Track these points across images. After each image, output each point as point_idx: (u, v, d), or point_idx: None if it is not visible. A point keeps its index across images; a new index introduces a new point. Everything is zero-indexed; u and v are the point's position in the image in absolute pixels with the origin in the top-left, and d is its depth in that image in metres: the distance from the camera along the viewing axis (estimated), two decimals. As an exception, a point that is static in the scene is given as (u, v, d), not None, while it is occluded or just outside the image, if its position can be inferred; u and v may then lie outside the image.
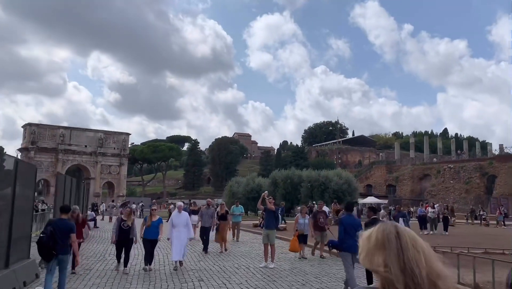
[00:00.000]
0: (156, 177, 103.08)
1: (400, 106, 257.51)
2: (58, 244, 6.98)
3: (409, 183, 61.16)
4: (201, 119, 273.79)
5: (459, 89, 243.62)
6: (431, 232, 22.49)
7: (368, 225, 7.18)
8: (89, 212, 22.13)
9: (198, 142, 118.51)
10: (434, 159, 70.64)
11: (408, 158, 76.51)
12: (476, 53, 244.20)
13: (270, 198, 11.81)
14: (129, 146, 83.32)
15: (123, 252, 10.58)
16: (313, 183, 40.75)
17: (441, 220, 23.85)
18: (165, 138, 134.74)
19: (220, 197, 60.30)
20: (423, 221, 23.36)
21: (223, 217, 15.01)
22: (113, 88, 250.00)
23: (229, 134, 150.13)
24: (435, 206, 25.69)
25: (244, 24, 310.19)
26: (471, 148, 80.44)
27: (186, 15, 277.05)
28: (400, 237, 1.34)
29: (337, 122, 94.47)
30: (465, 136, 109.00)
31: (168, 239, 11.58)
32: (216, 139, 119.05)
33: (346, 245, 7.73)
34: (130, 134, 77.39)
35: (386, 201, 53.83)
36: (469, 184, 52.94)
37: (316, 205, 20.15)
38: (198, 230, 15.21)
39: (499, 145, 74.43)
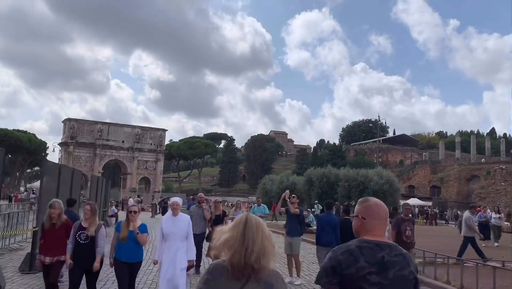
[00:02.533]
0: (192, 173, 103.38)
1: (444, 105, 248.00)
2: None
3: (455, 184, 57.45)
4: (238, 117, 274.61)
5: (508, 87, 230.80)
6: (495, 244, 17.56)
7: (340, 223, 8.46)
8: (113, 208, 21.24)
9: (234, 140, 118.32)
10: (483, 159, 66.27)
11: (453, 158, 72.37)
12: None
13: (293, 197, 9.49)
14: (167, 142, 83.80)
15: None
16: (351, 182, 38.56)
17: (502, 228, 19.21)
18: (202, 135, 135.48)
19: (254, 195, 59.08)
20: (484, 229, 18.02)
21: (217, 221, 9.97)
22: (154, 86, 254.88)
23: (265, 132, 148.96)
24: (496, 211, 20.05)
25: (283, 21, 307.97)
26: (523, 148, 75.22)
27: (225, 13, 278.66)
28: (248, 221, 1.97)
29: (377, 120, 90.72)
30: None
31: (155, 262, 6.75)
32: (252, 136, 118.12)
33: (322, 240, 8.48)
34: (167, 130, 77.61)
35: (430, 203, 50.71)
36: (524, 187, 48.96)
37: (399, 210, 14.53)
38: None
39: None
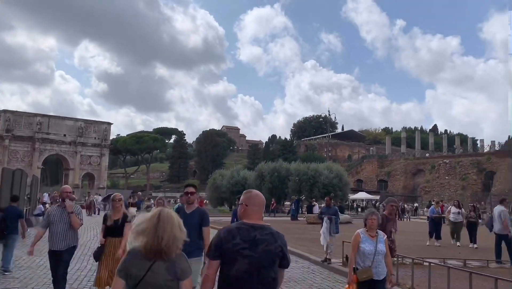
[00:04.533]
0: (140, 169, 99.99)
1: (390, 102, 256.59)
2: (8, 226, 8.45)
3: (401, 178, 59.04)
4: (190, 112, 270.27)
5: (449, 87, 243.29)
6: (457, 243, 15.40)
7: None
8: (40, 206, 19.21)
9: (184, 135, 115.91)
10: (427, 154, 68.73)
11: (399, 153, 74.60)
12: (467, 51, 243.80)
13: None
14: (114, 136, 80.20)
15: None
16: (301, 177, 38.18)
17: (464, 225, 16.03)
18: (152, 130, 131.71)
19: (205, 190, 57.66)
20: (436, 226, 16.08)
21: (114, 230, 6.12)
22: (101, 78, 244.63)
23: (217, 127, 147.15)
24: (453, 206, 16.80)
25: (235, 16, 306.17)
26: (462, 144, 78.94)
27: (176, 4, 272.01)
28: (161, 214, 2.46)
29: (327, 117, 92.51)
30: (454, 133, 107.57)
31: None
32: (203, 131, 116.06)
33: None
34: (112, 124, 74.02)
35: (377, 197, 51.67)
36: (466, 180, 50.92)
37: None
38: None
39: (491, 141, 72.94)
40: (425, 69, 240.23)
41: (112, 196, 6.40)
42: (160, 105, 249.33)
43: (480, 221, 17.74)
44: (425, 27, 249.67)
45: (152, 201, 21.67)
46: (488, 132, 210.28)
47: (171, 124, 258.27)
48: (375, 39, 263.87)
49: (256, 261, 2.58)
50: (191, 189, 5.24)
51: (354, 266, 4.97)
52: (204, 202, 56.04)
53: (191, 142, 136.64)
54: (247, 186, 44.23)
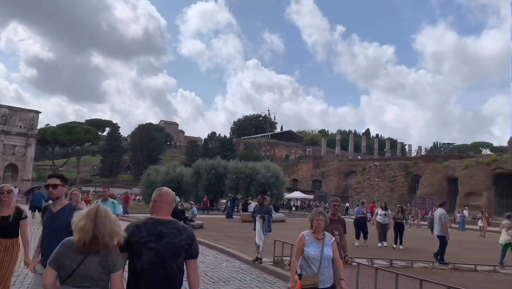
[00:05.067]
0: (70, 161, 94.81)
1: (327, 105, 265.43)
2: None
3: (335, 179, 60.92)
4: (127, 104, 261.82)
5: (382, 93, 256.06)
6: (384, 244, 15.46)
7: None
8: None
9: (119, 127, 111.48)
10: (359, 156, 71.58)
11: (333, 155, 77.04)
12: (401, 60, 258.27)
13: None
14: (42, 126, 75.17)
15: None
16: (239, 175, 38.03)
17: (391, 227, 16.10)
18: (84, 121, 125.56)
19: (138, 186, 55.72)
20: (361, 227, 15.93)
21: (3, 229, 4.94)
22: (30, 63, 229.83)
23: (155, 122, 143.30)
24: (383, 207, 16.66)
25: (178, 8, 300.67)
26: (392, 148, 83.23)
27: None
28: (98, 210, 2.62)
29: (267, 116, 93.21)
30: (385, 138, 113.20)
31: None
32: (139, 125, 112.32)
33: None
34: (41, 112, 69.36)
35: (311, 196, 52.91)
36: (394, 182, 53.56)
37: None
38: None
39: (418, 146, 78.18)
40: (361, 75, 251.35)
41: None
42: (94, 95, 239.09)
43: (408, 222, 18.44)
44: (363, 35, 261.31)
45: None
46: (415, 138, 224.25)
47: (106, 116, 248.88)
48: (316, 42, 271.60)
49: (161, 253, 2.78)
50: (54, 181, 4.01)
51: (298, 271, 4.34)
52: (137, 198, 54.27)
53: (126, 136, 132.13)
54: (183, 183, 43.30)
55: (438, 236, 12.23)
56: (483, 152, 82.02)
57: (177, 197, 22.94)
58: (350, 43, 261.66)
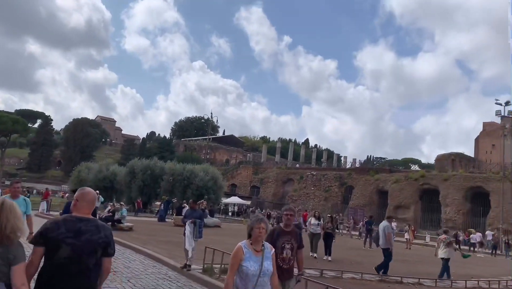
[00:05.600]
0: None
1: (270, 113, 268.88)
2: None
3: (273, 185, 61.45)
4: (62, 96, 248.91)
5: (323, 105, 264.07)
6: (315, 255, 14.96)
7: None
8: None
9: (52, 120, 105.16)
10: (297, 165, 72.89)
11: (273, 162, 77.84)
12: (342, 75, 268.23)
13: None
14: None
15: None
16: (176, 177, 37.02)
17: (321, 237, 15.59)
18: (14, 111, 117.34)
19: (68, 183, 52.74)
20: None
21: None
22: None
23: (92, 117, 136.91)
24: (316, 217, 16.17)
25: (124, 2, 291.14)
26: (329, 158, 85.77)
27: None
28: (3, 204, 2.72)
29: (209, 119, 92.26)
30: (323, 148, 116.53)
31: None
32: (74, 119, 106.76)
33: None
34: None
35: (249, 202, 52.96)
36: (329, 192, 54.94)
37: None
38: None
39: (353, 158, 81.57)
40: (304, 86, 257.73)
41: None
42: (27, 84, 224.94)
43: (337, 231, 18.17)
44: (308, 48, 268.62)
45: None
46: (351, 150, 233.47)
47: (38, 108, 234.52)
48: (262, 50, 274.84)
49: (78, 248, 2.91)
50: None
51: None
52: (66, 195, 51.19)
53: (60, 129, 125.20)
54: (116, 182, 41.47)
55: (382, 249, 12.31)
56: (412, 167, 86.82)
57: (100, 196, 21.44)
58: (296, 55, 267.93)
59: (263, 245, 3.79)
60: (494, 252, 29.49)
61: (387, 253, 12.06)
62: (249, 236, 3.80)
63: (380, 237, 12.50)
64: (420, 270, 12.91)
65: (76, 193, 3.21)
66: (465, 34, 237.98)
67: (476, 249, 29.53)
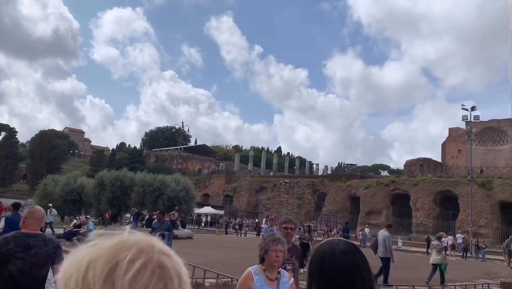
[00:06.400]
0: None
1: (243, 122, 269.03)
2: None
3: (246, 194, 60.99)
4: (28, 107, 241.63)
5: (294, 114, 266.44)
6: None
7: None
8: None
9: (16, 132, 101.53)
10: (271, 173, 72.81)
11: (246, 170, 77.50)
12: (313, 84, 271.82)
13: None
14: None
15: None
16: (146, 188, 36.08)
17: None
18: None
19: (33, 197, 50.74)
20: None
21: None
22: None
23: (60, 128, 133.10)
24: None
25: (92, 12, 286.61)
26: (301, 166, 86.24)
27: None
28: None
29: (180, 128, 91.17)
30: (295, 156, 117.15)
31: None
32: (40, 131, 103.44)
33: None
34: None
35: (222, 212, 52.30)
36: (302, 200, 54.98)
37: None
38: None
39: (325, 165, 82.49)
40: (276, 95, 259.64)
41: None
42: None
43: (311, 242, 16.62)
44: (279, 57, 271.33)
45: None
46: (322, 157, 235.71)
47: (2, 120, 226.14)
48: (234, 60, 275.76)
49: (28, 262, 3.11)
50: None
51: None
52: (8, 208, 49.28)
53: (26, 142, 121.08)
54: (84, 195, 40.13)
55: (381, 258, 12.15)
56: (382, 173, 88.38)
57: (54, 210, 20.73)
58: (267, 64, 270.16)
59: (279, 272, 3.10)
60: (464, 254, 30.01)
61: (386, 262, 11.96)
62: (262, 260, 3.06)
63: (379, 246, 12.32)
64: (396, 276, 12.82)
65: (25, 212, 3.51)
66: (430, 43, 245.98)
67: (448, 252, 29.98)
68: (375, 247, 12.77)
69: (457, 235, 33.27)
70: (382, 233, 12.48)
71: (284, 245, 3.09)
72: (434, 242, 13.65)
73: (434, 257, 13.09)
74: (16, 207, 9.81)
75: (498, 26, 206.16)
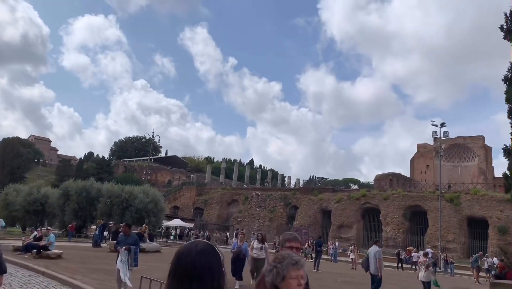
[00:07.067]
0: None
1: (215, 133, 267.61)
2: None
3: (217, 207, 60.04)
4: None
5: (267, 126, 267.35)
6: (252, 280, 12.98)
7: None
8: None
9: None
10: (245, 186, 72.14)
11: (218, 182, 76.60)
12: (286, 97, 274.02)
13: None
14: None
15: None
16: (113, 199, 34.82)
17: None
18: None
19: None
20: (237, 263, 13.17)
21: None
22: None
23: (25, 136, 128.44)
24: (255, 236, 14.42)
25: (63, 18, 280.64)
26: (273, 179, 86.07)
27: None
28: None
29: (151, 139, 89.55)
30: (268, 169, 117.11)
31: None
32: (4, 139, 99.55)
33: None
34: None
35: (192, 225, 51.18)
36: (274, 213, 54.52)
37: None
38: None
39: (297, 178, 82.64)
40: (250, 107, 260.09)
41: None
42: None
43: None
44: (253, 69, 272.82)
45: None
46: (294, 170, 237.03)
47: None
48: (208, 71, 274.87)
49: None
50: None
51: None
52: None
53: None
54: (48, 205, 38.42)
55: (372, 275, 11.79)
56: (352, 187, 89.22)
57: (1, 220, 20.16)
58: (241, 76, 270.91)
59: None
60: (434, 269, 30.20)
61: (378, 279, 11.59)
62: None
63: (370, 263, 11.94)
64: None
65: None
66: (400, 61, 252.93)
67: (416, 267, 30.12)
68: (366, 265, 12.36)
69: (426, 250, 33.56)
70: (373, 249, 12.13)
71: (305, 271, 2.28)
72: (421, 259, 13.49)
73: (422, 274, 12.92)
74: None
75: (466, 45, 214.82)
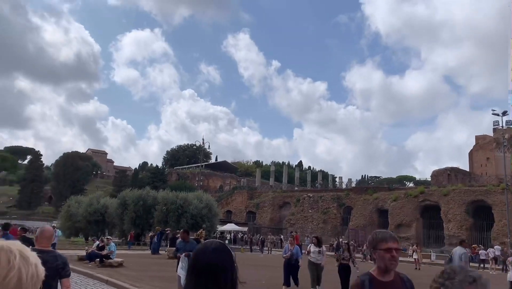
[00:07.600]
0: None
1: (262, 137, 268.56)
2: None
3: (269, 210, 59.91)
4: (53, 131, 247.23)
5: (314, 127, 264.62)
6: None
7: None
8: None
9: (41, 155, 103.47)
10: (296, 188, 71.58)
11: (268, 186, 76.59)
12: (332, 96, 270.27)
13: None
14: None
15: None
16: (169, 206, 35.61)
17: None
18: (3, 148, 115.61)
19: (58, 219, 50.95)
20: (290, 269, 12.77)
21: None
22: None
23: (83, 150, 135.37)
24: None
25: (112, 35, 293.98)
26: (324, 180, 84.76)
27: (48, 13, 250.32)
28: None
29: (201, 146, 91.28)
30: (317, 170, 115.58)
31: None
32: (64, 153, 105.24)
33: None
34: None
35: (245, 229, 51.36)
36: (327, 214, 53.53)
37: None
38: None
39: (348, 178, 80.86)
40: (295, 109, 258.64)
41: None
42: (16, 121, 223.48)
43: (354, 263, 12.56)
44: (297, 71, 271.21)
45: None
46: (345, 170, 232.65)
47: (28, 144, 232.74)
48: (252, 76, 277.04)
49: None
50: None
51: None
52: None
53: (50, 164, 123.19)
54: (107, 215, 39.90)
55: None
56: (407, 184, 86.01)
57: (58, 230, 20.84)
58: (285, 78, 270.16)
59: None
60: (504, 268, 28.26)
61: None
62: None
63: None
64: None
65: (37, 231, 4.09)
66: (451, 50, 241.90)
67: (487, 266, 28.31)
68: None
69: (495, 247, 31.50)
70: (458, 250, 11.07)
71: None
72: (510, 258, 12.50)
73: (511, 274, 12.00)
74: (5, 227, 9.59)
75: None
